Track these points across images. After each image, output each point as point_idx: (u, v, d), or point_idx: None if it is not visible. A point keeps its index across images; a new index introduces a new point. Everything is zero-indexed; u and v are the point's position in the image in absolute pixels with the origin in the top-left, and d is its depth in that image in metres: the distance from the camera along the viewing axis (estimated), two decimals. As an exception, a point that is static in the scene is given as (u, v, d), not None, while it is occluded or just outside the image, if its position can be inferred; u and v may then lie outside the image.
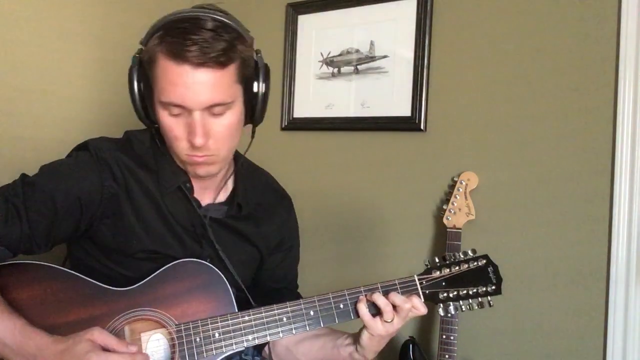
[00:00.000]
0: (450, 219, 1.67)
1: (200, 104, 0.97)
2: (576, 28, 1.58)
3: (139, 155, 1.11)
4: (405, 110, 1.84)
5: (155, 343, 1.03)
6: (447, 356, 1.57)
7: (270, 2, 2.14)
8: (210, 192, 1.16)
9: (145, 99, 1.04)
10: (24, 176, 1.06)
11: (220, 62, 0.96)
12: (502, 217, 1.68)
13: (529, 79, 1.65)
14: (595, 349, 1.54)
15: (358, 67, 1.94)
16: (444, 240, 1.66)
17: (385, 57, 1.89)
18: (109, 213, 1.07)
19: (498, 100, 1.69)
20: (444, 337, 1.58)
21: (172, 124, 1.01)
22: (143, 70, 1.02)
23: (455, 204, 1.67)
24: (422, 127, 1.81)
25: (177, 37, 0.94)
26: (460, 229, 1.65)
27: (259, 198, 1.23)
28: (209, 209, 1.15)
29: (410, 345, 1.65)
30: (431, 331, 1.76)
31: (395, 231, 1.87)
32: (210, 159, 1.04)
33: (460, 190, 1.68)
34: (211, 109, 0.99)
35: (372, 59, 1.91)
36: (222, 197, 1.17)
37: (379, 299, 1.04)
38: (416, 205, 1.83)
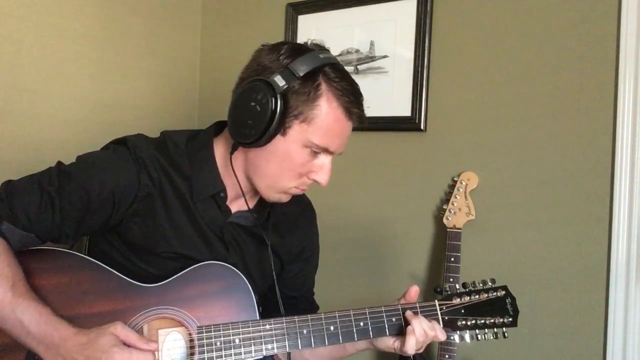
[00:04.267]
0: (450, 219, 1.67)
1: (341, 152, 1.10)
2: (576, 28, 1.58)
3: (173, 157, 1.11)
4: (405, 110, 1.84)
5: (172, 342, 1.03)
6: (447, 356, 1.57)
7: (270, 2, 2.14)
8: (242, 200, 1.16)
9: (273, 122, 1.00)
10: (59, 164, 1.06)
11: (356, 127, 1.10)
12: (502, 217, 1.68)
13: (529, 79, 1.65)
14: (595, 349, 1.54)
15: (358, 67, 1.94)
16: (444, 240, 1.66)
17: (385, 57, 1.89)
18: (141, 212, 1.07)
19: (498, 100, 1.69)
20: (444, 337, 1.58)
21: (305, 161, 1.06)
22: (285, 97, 1.00)
23: (455, 204, 1.67)
24: (422, 127, 1.81)
25: (353, 94, 1.05)
26: (460, 229, 1.65)
27: (284, 207, 1.24)
28: (238, 216, 1.16)
29: (410, 345, 1.65)
30: (431, 331, 1.76)
31: (395, 231, 1.87)
32: None
33: (460, 190, 1.68)
34: None
35: (372, 59, 1.91)
36: (251, 204, 1.18)
37: (414, 321, 1.07)
38: (416, 205, 1.82)
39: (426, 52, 1.79)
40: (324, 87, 1.02)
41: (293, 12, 2.08)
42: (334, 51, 1.96)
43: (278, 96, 0.99)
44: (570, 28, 1.59)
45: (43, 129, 1.77)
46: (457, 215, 1.66)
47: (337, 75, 1.04)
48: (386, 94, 1.88)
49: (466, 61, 1.75)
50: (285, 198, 1.11)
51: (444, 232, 1.67)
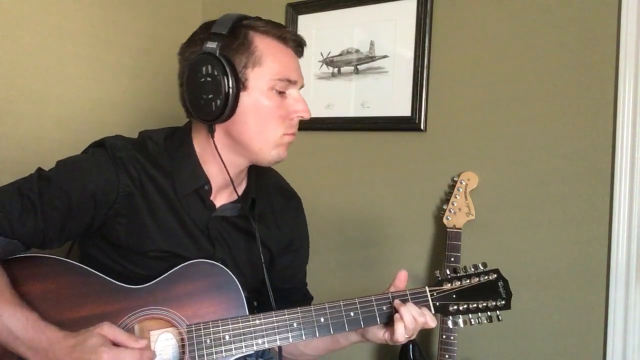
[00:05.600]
0: (450, 219, 1.67)
1: (302, 82, 1.11)
2: (576, 28, 1.58)
3: (153, 156, 1.11)
4: (405, 110, 1.84)
5: (165, 342, 1.03)
6: (447, 356, 1.57)
7: (270, 2, 2.14)
8: (227, 192, 1.16)
9: (229, 81, 1.02)
10: (40, 170, 1.06)
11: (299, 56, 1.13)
12: (502, 217, 1.68)
13: (529, 79, 1.65)
14: (595, 349, 1.54)
15: (358, 67, 1.94)
16: (444, 240, 1.66)
17: (385, 57, 1.89)
18: (124, 212, 1.08)
19: (498, 100, 1.69)
20: (444, 337, 1.58)
21: (277, 104, 1.07)
22: (225, 57, 1.03)
23: (455, 204, 1.67)
24: (422, 127, 1.81)
25: (276, 26, 1.09)
26: (460, 229, 1.65)
27: (269, 197, 1.24)
28: (224, 209, 1.16)
29: (410, 345, 1.65)
30: (431, 331, 1.76)
31: (395, 231, 1.87)
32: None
33: (460, 190, 1.68)
34: None
35: (372, 59, 1.91)
36: (236, 194, 1.17)
37: (402, 308, 1.06)
38: (416, 205, 1.83)
39: (426, 52, 1.79)
40: (250, 32, 1.07)
41: (293, 12, 2.08)
42: (334, 51, 1.98)
43: (219, 57, 1.02)
44: (570, 28, 1.59)
45: (42, 128, 1.77)
46: (457, 215, 1.66)
47: (254, 20, 1.09)
48: (386, 94, 1.88)
49: (466, 61, 1.75)
50: (283, 152, 1.11)
51: (444, 232, 1.67)
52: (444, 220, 1.68)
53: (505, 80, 1.68)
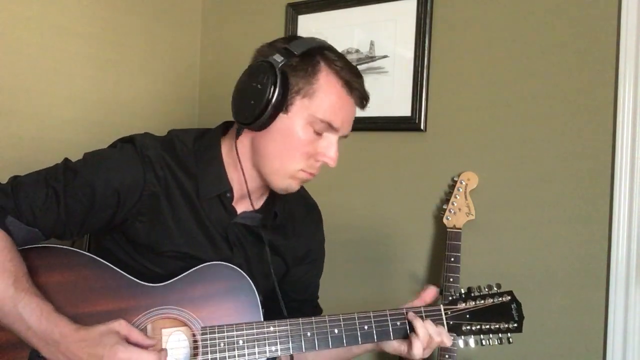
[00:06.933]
0: (450, 219, 1.67)
1: (347, 132, 1.10)
2: (576, 28, 1.58)
3: (180, 157, 1.11)
4: (405, 110, 1.84)
5: (177, 343, 1.03)
6: (447, 356, 1.57)
7: (270, 2, 2.14)
8: (248, 200, 1.15)
9: (274, 97, 1.01)
10: (66, 161, 1.06)
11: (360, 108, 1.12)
12: (502, 217, 1.68)
13: (529, 78, 1.65)
14: (595, 349, 1.54)
15: (358, 67, 1.93)
16: (444, 240, 1.66)
17: (385, 57, 1.89)
18: (146, 211, 1.07)
19: (498, 100, 1.69)
20: (444, 337, 1.58)
21: (310, 140, 1.05)
22: (285, 74, 1.02)
23: (455, 204, 1.67)
24: (422, 127, 1.81)
25: (351, 71, 1.07)
26: (460, 229, 1.65)
27: (291, 208, 1.24)
28: (244, 217, 1.15)
29: (410, 345, 1.65)
30: (431, 331, 1.76)
31: (395, 231, 1.87)
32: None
33: (460, 190, 1.68)
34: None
35: (372, 59, 1.91)
36: (258, 204, 1.17)
37: (418, 323, 1.06)
38: (416, 205, 1.83)
39: (426, 52, 1.79)
40: (322, 64, 1.05)
41: (293, 12, 2.08)
42: (334, 51, 1.97)
43: (277, 71, 1.01)
44: (570, 28, 1.59)
45: (43, 128, 1.77)
46: (457, 215, 1.66)
47: (335, 55, 1.07)
48: (386, 94, 1.88)
49: (466, 61, 1.75)
50: (294, 185, 1.10)
51: (444, 232, 1.67)
52: (444, 220, 1.68)
53: (505, 80, 1.68)
